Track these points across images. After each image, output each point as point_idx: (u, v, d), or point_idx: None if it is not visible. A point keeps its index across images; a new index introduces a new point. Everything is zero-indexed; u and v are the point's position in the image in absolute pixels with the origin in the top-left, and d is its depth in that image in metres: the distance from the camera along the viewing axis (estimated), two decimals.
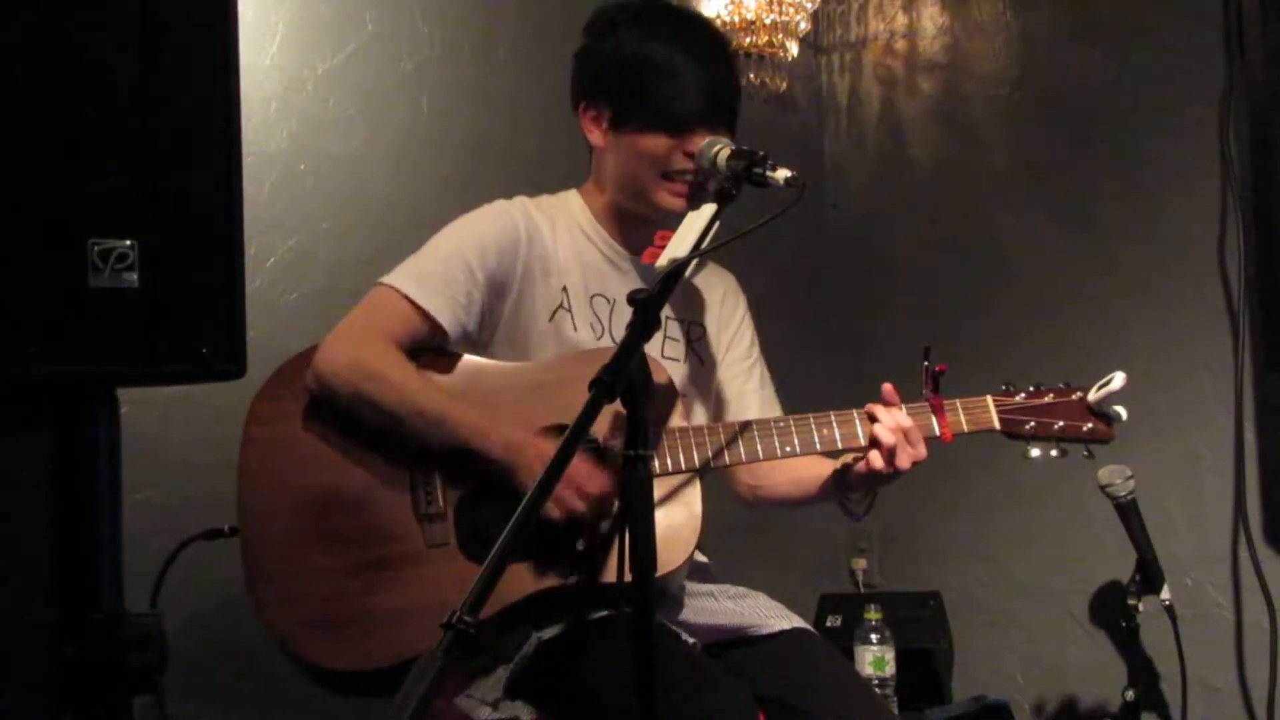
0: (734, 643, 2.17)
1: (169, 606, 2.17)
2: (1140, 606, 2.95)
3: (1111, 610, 3.25)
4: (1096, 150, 3.40)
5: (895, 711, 3.03)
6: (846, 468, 2.18)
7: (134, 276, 1.71)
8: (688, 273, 2.34)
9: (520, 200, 2.26)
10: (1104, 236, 3.38)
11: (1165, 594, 2.95)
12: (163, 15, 1.75)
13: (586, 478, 1.96)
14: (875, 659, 3.12)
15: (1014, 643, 3.51)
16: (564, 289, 2.21)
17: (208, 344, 1.78)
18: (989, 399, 2.17)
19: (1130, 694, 2.99)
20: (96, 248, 1.69)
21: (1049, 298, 3.48)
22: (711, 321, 2.38)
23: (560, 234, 2.25)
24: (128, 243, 1.71)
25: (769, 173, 1.95)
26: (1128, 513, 2.95)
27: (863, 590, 3.74)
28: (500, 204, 2.24)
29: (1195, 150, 3.21)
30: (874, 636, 3.14)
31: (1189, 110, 3.22)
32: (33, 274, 1.66)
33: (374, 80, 2.93)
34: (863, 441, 2.09)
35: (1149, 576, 2.95)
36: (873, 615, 3.15)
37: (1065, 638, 3.40)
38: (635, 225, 2.25)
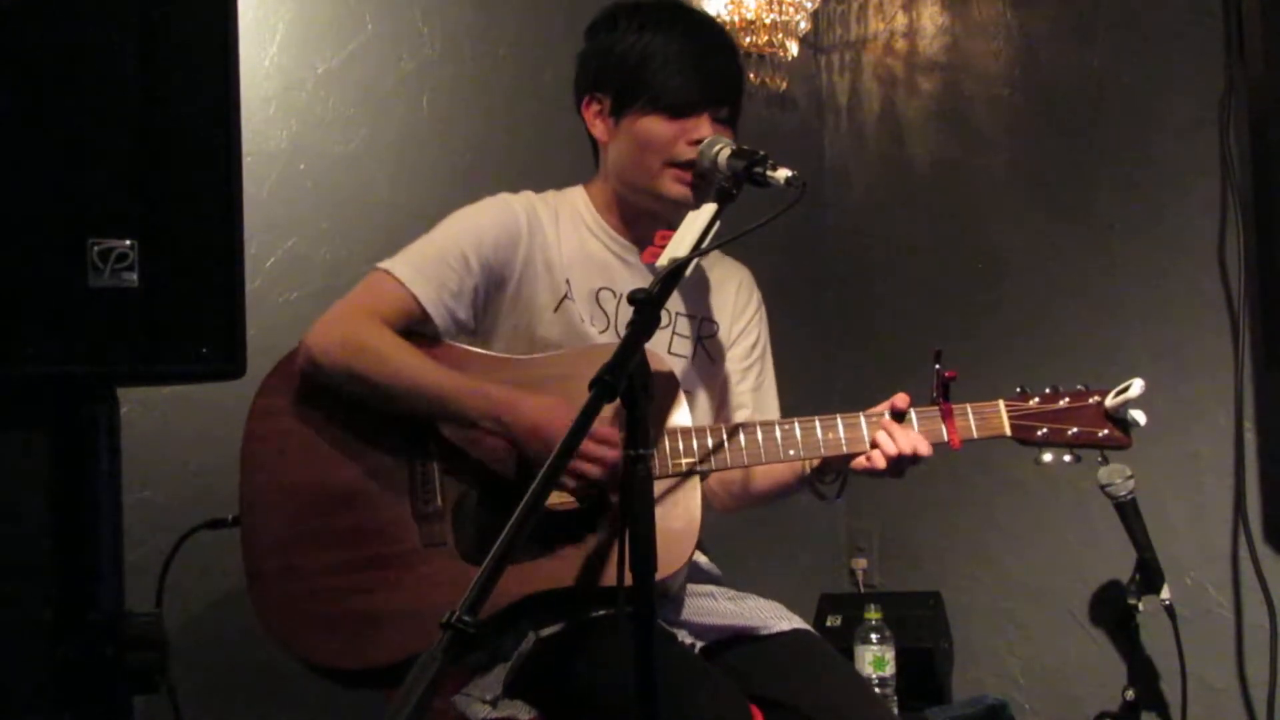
0: (734, 643, 2.17)
1: (175, 599, 2.17)
2: (1140, 606, 2.94)
3: (1111, 610, 3.25)
4: (1096, 150, 3.39)
5: (895, 711, 3.03)
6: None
7: (134, 276, 1.71)
8: (704, 268, 2.34)
9: (525, 194, 2.27)
10: (1104, 236, 3.37)
11: (1165, 594, 2.94)
12: (163, 15, 1.75)
13: (606, 442, 1.97)
14: (875, 659, 3.12)
15: (1014, 643, 3.51)
16: (567, 281, 2.21)
17: (208, 344, 1.78)
18: (1001, 404, 2.14)
19: (1130, 694, 2.99)
20: (96, 248, 1.69)
21: (1049, 297, 3.47)
22: (724, 317, 2.37)
23: (565, 228, 2.25)
24: (128, 243, 1.71)
25: (769, 172, 1.95)
26: (1128, 513, 2.94)
27: (863, 590, 3.74)
28: (503, 196, 2.25)
29: (1195, 150, 3.20)
30: (874, 636, 3.13)
31: (1189, 110, 3.22)
32: (33, 274, 1.66)
33: (374, 80, 2.93)
34: (868, 447, 2.08)
35: (1149, 576, 2.94)
36: (873, 615, 3.15)
37: (1065, 638, 3.40)
38: (641, 219, 2.26)
